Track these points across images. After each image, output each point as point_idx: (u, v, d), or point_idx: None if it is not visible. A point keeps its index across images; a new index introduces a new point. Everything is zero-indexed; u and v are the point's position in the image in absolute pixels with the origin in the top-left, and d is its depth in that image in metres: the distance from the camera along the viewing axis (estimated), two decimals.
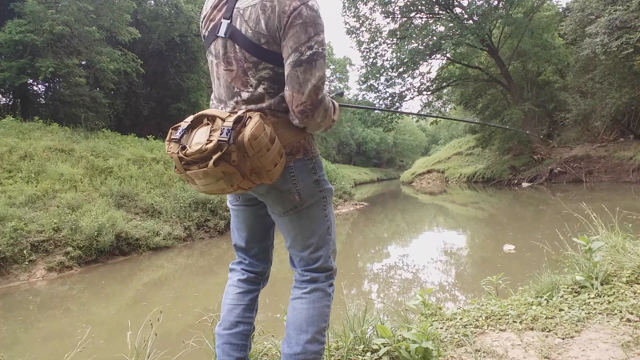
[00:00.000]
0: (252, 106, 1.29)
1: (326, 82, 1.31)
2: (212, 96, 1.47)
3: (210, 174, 1.15)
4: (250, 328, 1.51)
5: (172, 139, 1.23)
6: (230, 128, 1.14)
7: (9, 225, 6.52)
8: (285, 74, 1.23)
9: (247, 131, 1.15)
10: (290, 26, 1.19)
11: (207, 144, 1.15)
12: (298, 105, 1.23)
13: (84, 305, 5.42)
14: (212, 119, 1.21)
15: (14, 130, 10.31)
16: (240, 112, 1.20)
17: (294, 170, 1.32)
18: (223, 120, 1.18)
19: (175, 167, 1.22)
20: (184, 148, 1.19)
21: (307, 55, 1.19)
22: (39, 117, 12.03)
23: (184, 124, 1.24)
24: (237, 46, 1.27)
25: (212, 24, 1.35)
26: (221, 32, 1.29)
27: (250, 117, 1.19)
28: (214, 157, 1.13)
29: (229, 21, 1.28)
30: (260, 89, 1.29)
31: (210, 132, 1.18)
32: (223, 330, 1.47)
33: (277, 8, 1.19)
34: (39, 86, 15.63)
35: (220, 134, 1.14)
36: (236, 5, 1.27)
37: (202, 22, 1.42)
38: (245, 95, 1.30)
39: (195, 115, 1.25)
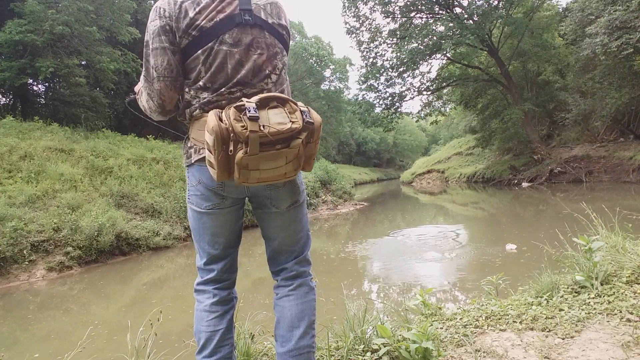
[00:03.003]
0: (279, 88, 1.37)
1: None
2: (218, 85, 1.29)
3: (287, 156, 1.16)
4: (232, 349, 1.48)
5: (252, 117, 1.10)
6: (307, 112, 1.18)
7: (9, 225, 6.51)
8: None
9: (316, 116, 1.20)
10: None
11: (292, 124, 1.14)
12: None
13: (84, 305, 5.42)
14: (282, 101, 1.19)
15: (14, 130, 10.31)
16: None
17: None
18: (295, 104, 1.20)
19: (247, 148, 1.10)
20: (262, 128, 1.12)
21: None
22: (39, 117, 12.03)
23: (250, 104, 1.13)
24: (266, 32, 1.34)
25: (224, 15, 1.27)
26: (247, 20, 1.29)
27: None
28: (300, 137, 1.15)
29: (250, 11, 1.33)
30: (282, 74, 1.38)
31: (289, 114, 1.16)
32: (204, 358, 1.40)
33: (282, 9, 1.41)
34: (39, 86, 15.65)
35: (304, 116, 1.16)
36: (253, 1, 1.33)
37: (200, 13, 1.26)
38: (274, 77, 1.35)
39: (261, 96, 1.17)
